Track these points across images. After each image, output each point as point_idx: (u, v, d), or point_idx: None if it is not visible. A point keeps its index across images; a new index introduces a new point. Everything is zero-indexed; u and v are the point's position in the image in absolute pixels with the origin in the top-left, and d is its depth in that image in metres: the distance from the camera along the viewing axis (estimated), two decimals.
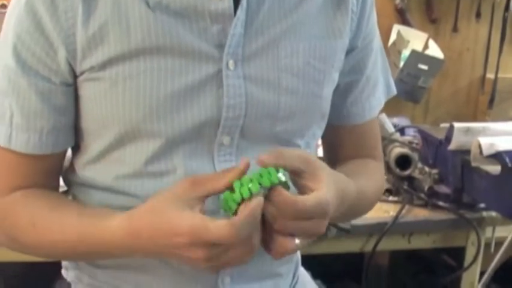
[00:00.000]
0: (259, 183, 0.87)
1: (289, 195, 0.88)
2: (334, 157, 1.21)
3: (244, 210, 0.85)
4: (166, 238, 0.87)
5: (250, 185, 0.86)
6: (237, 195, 0.87)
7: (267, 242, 0.91)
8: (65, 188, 1.12)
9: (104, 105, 0.96)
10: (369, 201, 1.16)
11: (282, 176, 0.88)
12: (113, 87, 0.94)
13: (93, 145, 1.01)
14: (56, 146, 1.01)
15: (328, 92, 1.06)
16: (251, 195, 0.86)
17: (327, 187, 0.91)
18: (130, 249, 0.92)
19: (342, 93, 1.12)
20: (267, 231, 0.90)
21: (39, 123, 0.98)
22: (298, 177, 0.92)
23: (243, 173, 0.89)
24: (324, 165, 0.95)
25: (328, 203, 0.91)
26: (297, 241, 0.91)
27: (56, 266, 1.20)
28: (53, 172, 1.06)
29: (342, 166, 1.15)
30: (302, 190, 0.92)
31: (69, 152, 1.07)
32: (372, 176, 1.18)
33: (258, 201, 0.86)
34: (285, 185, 0.89)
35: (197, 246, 0.85)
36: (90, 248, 0.97)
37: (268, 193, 0.88)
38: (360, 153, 1.20)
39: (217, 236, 0.84)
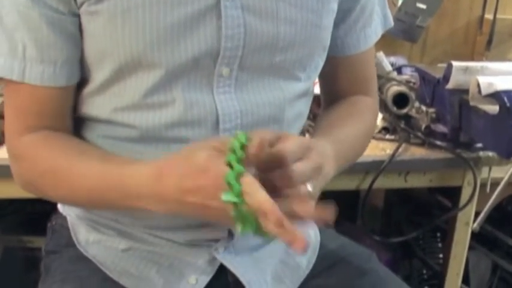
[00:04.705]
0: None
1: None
2: (330, 92, 1.22)
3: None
4: (191, 172, 0.83)
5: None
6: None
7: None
8: None
9: (103, 39, 0.95)
10: (359, 148, 1.16)
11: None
12: (111, 21, 0.93)
13: (93, 78, 1.00)
14: (70, 78, 1.00)
15: (327, 22, 1.05)
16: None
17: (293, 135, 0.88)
18: (151, 190, 0.89)
19: (335, 22, 1.11)
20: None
21: (53, 54, 0.96)
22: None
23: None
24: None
25: (308, 140, 0.89)
26: (309, 187, 0.86)
27: (53, 202, 1.20)
28: (66, 111, 1.04)
29: (332, 114, 1.16)
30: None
31: None
32: (361, 119, 1.17)
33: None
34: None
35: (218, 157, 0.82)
36: (107, 194, 0.94)
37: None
38: (354, 87, 1.20)
39: None
